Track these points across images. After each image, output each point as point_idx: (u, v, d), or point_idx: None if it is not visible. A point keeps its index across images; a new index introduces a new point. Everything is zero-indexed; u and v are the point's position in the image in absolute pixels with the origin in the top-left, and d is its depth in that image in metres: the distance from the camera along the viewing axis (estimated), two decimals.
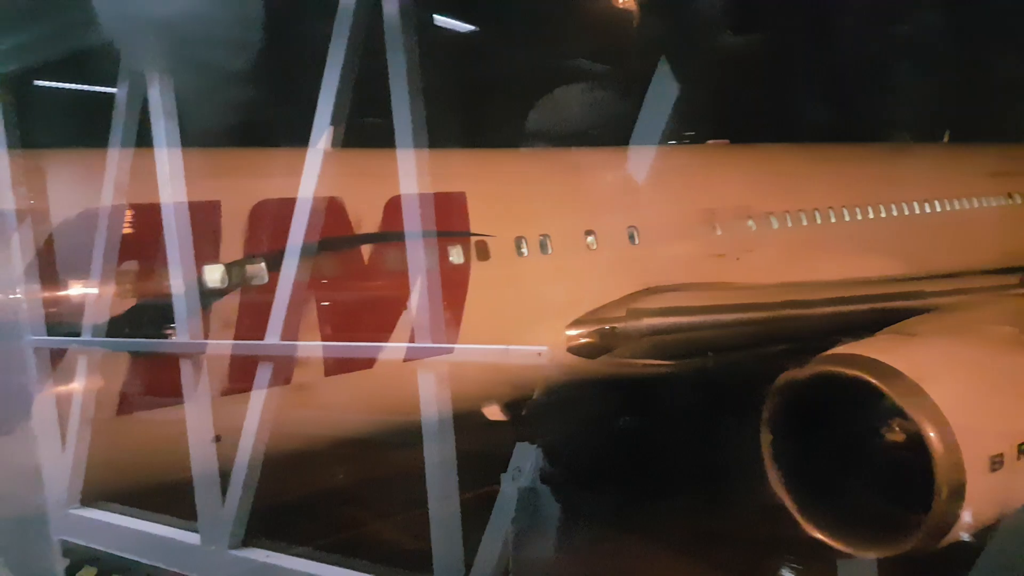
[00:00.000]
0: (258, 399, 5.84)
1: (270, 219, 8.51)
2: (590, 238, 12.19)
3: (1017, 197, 20.36)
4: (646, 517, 10.61)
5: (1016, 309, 9.47)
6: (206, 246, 8.02)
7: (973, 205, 19.23)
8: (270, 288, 7.22)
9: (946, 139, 22.09)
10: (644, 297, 12.07)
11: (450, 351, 5.08)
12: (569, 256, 11.86)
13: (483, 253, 10.73)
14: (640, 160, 14.70)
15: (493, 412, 11.36)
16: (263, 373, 5.89)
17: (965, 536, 6.52)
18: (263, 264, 8.44)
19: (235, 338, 7.98)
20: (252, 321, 7.65)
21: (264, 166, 9.62)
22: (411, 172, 5.29)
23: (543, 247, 11.60)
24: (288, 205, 7.72)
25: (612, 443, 14.30)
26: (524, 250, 11.35)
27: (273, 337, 5.66)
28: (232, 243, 8.60)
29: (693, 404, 13.68)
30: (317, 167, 5.87)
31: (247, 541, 6.11)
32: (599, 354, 11.61)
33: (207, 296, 7.94)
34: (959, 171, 20.09)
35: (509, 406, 11.40)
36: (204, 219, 7.95)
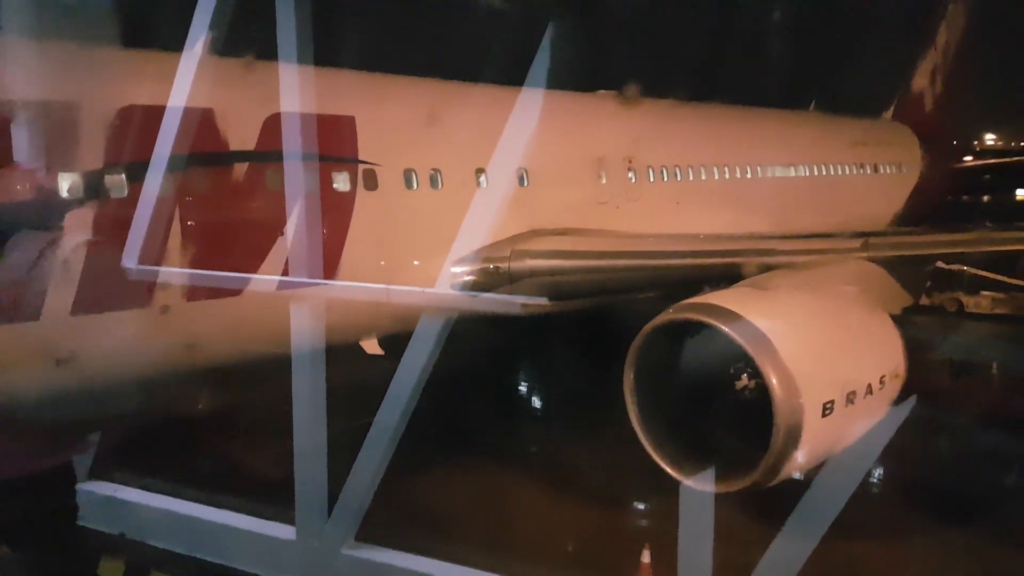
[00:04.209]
0: (110, 320, 5.44)
1: (136, 126, 7.74)
2: (481, 177, 12.07)
3: (869, 167, 22.23)
4: (515, 445, 10.98)
5: (858, 270, 10.34)
6: (60, 149, 7.19)
7: (833, 172, 20.75)
8: (131, 203, 6.66)
9: (811, 108, 23.64)
10: (530, 239, 12.17)
11: (329, 288, 4.90)
12: (459, 193, 11.70)
13: (371, 183, 10.37)
14: (534, 103, 14.54)
15: (371, 346, 11.20)
16: (119, 292, 5.48)
17: (796, 475, 7.14)
18: (123, 175, 7.68)
19: (88, 255, 7.30)
20: (107, 237, 7.00)
21: (134, 69, 8.69)
22: (295, 89, 4.97)
23: (434, 182, 11.36)
24: (157, 113, 7.11)
25: (492, 379, 14.61)
26: (415, 183, 11.08)
27: (131, 258, 5.26)
28: (91, 149, 7.77)
29: (571, 344, 14.18)
30: (191, 75, 5.39)
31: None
32: (484, 292, 11.66)
33: (60, 205, 7.19)
34: (823, 140, 21.57)
35: (389, 340, 11.28)
36: (60, 120, 7.13)
